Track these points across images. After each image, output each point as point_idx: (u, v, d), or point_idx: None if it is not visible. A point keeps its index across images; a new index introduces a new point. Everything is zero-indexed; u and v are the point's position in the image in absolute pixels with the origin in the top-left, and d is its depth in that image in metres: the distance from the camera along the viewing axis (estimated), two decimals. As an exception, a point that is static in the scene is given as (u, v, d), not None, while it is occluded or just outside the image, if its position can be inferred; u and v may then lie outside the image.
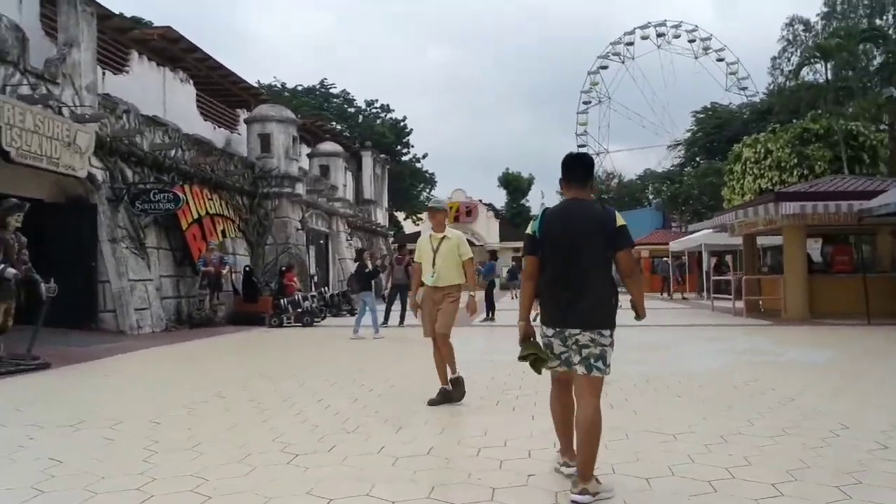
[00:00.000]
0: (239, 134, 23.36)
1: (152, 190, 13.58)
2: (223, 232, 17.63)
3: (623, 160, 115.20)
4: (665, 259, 31.09)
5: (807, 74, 43.15)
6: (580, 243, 3.52)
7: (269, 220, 20.86)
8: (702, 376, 7.37)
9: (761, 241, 20.95)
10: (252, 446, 4.51)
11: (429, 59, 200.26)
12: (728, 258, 27.46)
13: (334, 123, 41.06)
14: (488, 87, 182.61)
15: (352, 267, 27.43)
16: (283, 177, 21.11)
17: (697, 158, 53.20)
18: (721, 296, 19.63)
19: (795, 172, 26.87)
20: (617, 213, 3.60)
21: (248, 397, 6.42)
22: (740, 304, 17.06)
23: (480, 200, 63.52)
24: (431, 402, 5.88)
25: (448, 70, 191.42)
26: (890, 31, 38.04)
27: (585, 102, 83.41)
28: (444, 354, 6.04)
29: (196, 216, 15.84)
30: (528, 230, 3.71)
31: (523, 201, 71.37)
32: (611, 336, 3.55)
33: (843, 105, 33.34)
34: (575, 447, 3.64)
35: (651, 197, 67.99)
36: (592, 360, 3.50)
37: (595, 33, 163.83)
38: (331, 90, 62.03)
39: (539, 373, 3.74)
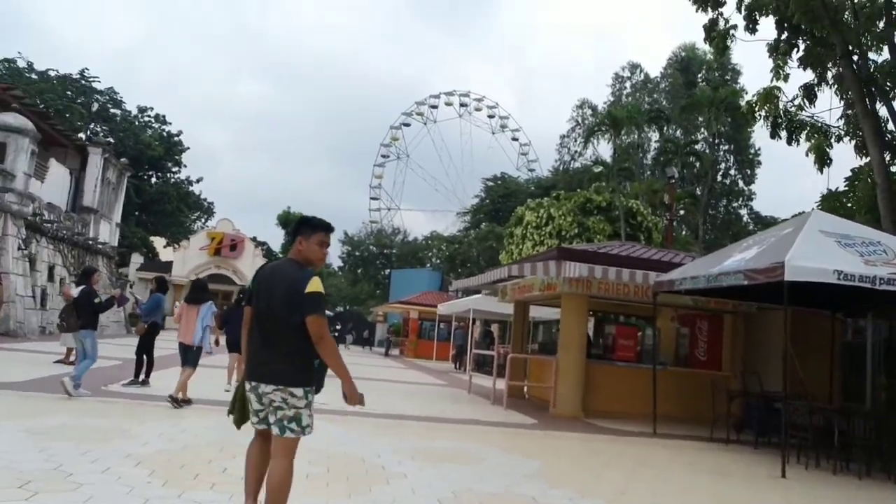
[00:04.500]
0: None
1: None
2: None
3: (415, 221, 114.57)
4: (461, 324, 27.25)
5: (591, 155, 43.59)
6: (274, 303, 3.61)
7: None
8: None
9: (534, 312, 17.75)
10: None
11: (239, 92, 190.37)
12: (495, 328, 24.26)
13: (37, 103, 33.00)
14: (295, 133, 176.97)
15: (19, 285, 20.12)
16: None
17: (482, 225, 51.89)
18: (482, 375, 15.85)
19: (575, 242, 24.91)
20: (315, 279, 3.57)
21: None
22: (502, 385, 13.18)
23: (255, 238, 57.00)
24: None
25: (257, 107, 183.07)
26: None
27: (384, 156, 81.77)
28: None
29: None
30: (250, 283, 3.88)
31: (303, 245, 65.38)
32: (306, 397, 3.59)
33: (622, 185, 32.90)
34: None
35: (433, 259, 66.43)
36: (286, 422, 3.58)
37: (405, 98, 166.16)
38: (93, 83, 53.02)
39: (238, 427, 3.95)
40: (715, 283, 9.35)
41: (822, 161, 13.27)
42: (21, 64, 47.41)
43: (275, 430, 3.61)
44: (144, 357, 10.69)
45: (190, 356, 9.17)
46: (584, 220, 26.39)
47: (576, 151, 49.03)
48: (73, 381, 8.85)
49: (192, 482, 5.03)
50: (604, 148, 78.04)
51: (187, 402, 8.94)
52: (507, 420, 10.88)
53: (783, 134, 14.40)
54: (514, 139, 78.09)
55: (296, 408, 3.57)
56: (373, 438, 7.70)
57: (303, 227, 3.82)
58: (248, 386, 3.70)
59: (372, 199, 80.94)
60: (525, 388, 14.74)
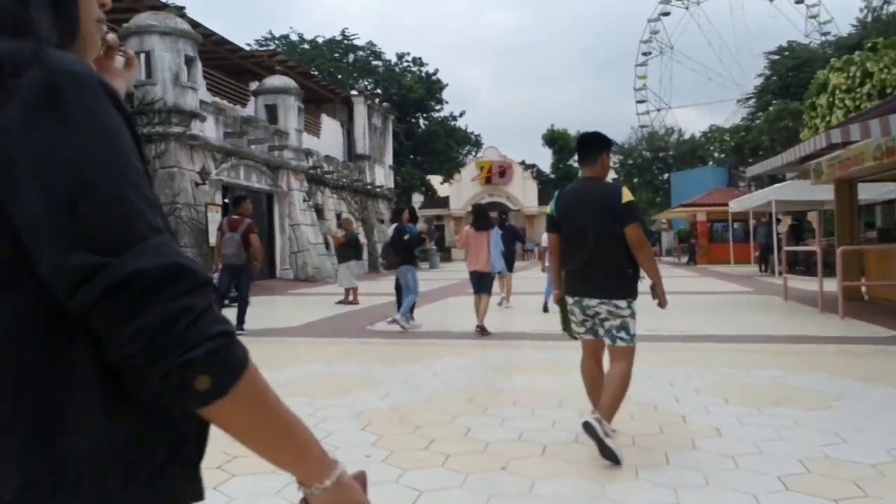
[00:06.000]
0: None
1: None
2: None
3: (688, 118, 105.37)
4: (763, 220, 23.84)
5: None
6: (589, 221, 3.75)
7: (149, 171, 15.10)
8: None
9: (864, 193, 13.94)
10: None
11: (488, 23, 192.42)
12: (813, 216, 20.08)
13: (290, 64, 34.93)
14: (550, 52, 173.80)
15: (310, 235, 21.64)
16: (171, 111, 15.29)
17: (771, 106, 44.82)
18: (797, 276, 12.87)
19: (909, 99, 19.43)
20: (625, 189, 3.78)
21: None
22: (830, 288, 10.28)
23: (522, 162, 56.91)
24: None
25: (508, 35, 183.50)
26: None
27: (645, 54, 75.92)
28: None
29: None
30: (548, 209, 4.14)
31: (571, 161, 64.36)
32: (629, 307, 3.76)
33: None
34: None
35: (716, 154, 60.16)
36: (615, 332, 3.75)
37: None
38: (354, 41, 56.47)
39: (574, 339, 4.08)
40: None
41: None
42: (293, 37, 51.84)
43: (607, 341, 3.80)
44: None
45: (484, 283, 8.98)
46: (919, 71, 20.53)
47: (889, -9, 39.34)
48: (403, 316, 9.20)
49: (420, 455, 3.80)
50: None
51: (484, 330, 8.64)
52: (850, 334, 8.18)
53: None
54: (799, 1, 66.39)
55: (621, 317, 3.73)
56: (667, 372, 5.90)
57: (606, 143, 3.98)
58: (570, 301, 3.91)
59: (638, 102, 75.91)
60: (863, 290, 11.52)
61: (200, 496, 0.83)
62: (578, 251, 3.80)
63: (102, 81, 0.75)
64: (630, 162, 66.25)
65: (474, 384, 5.68)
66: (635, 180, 66.06)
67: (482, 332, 8.56)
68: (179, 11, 18.44)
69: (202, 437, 0.85)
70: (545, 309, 10.70)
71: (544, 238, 12.19)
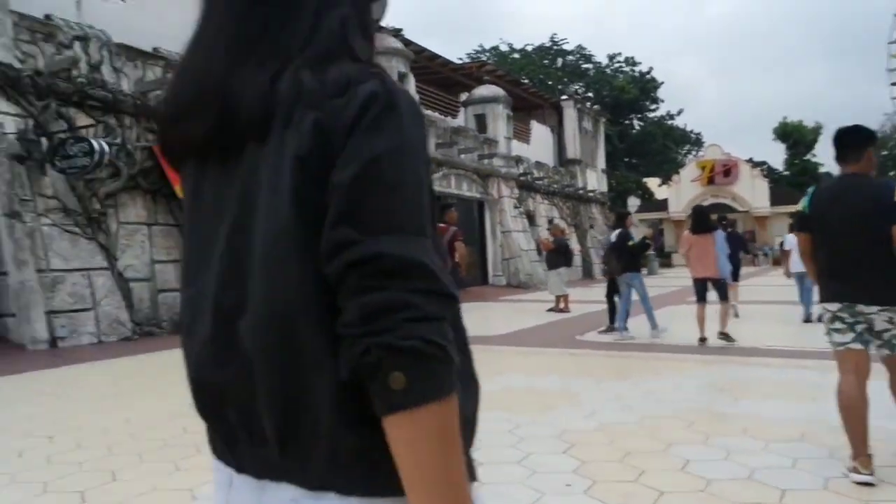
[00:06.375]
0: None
1: (68, 140, 9.32)
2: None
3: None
4: None
5: None
6: (855, 219, 3.43)
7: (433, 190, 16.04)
8: None
9: None
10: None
11: (707, 15, 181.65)
12: None
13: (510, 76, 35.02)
14: (779, 39, 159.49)
15: (521, 241, 21.59)
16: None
17: None
18: None
19: None
20: None
21: None
22: None
23: (750, 159, 52.44)
24: None
25: (729, 25, 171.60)
26: None
27: (900, 27, 66.00)
28: None
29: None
30: (800, 206, 3.75)
31: (808, 156, 58.17)
32: None
33: None
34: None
35: None
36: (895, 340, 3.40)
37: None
38: (563, 46, 56.43)
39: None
40: None
41: None
42: (503, 48, 52.81)
43: (885, 352, 3.42)
44: (616, 300, 9.49)
45: (717, 290, 8.24)
46: None
47: None
48: (652, 326, 8.87)
49: (628, 488, 3.32)
50: None
51: (727, 337, 8.01)
52: None
53: None
54: None
55: None
56: None
57: (871, 137, 3.66)
58: (835, 307, 3.48)
59: (892, 84, 66.34)
60: None
61: (474, 477, 0.83)
62: (846, 253, 3.46)
63: (418, 104, 0.84)
64: (885, 153, 58.06)
65: (694, 406, 4.99)
66: (891, 173, 57.72)
67: (726, 338, 7.92)
68: (395, 32, 19.42)
69: (475, 421, 0.86)
70: (808, 319, 9.62)
71: (787, 240, 10.85)
